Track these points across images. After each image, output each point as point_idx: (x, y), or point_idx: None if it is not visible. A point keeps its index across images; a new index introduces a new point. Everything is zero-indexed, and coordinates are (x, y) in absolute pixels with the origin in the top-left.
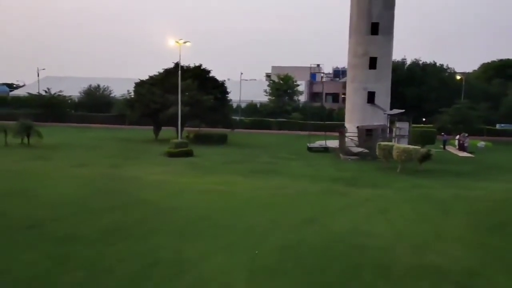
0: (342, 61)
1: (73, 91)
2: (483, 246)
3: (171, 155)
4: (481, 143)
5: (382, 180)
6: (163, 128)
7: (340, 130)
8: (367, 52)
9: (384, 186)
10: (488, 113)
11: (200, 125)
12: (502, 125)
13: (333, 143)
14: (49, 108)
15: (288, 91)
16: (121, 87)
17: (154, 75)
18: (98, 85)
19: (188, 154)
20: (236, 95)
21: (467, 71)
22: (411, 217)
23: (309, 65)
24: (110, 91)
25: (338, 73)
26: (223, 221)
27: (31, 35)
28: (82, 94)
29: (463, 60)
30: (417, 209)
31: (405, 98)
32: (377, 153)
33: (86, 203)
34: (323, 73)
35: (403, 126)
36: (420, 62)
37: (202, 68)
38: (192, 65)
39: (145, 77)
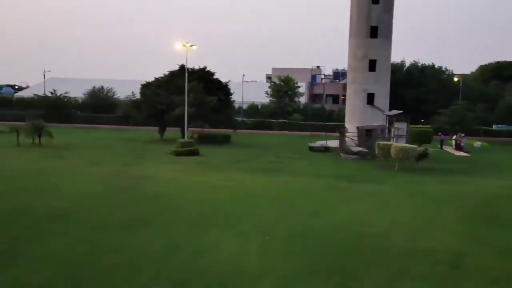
0: (342, 63)
1: (77, 93)
2: (472, 233)
3: (178, 154)
4: (477, 143)
5: (381, 177)
6: (167, 128)
7: (341, 130)
8: (367, 55)
9: (382, 182)
10: (485, 114)
11: (203, 126)
12: (499, 126)
13: (334, 143)
14: (54, 109)
15: (289, 92)
16: (124, 89)
17: (160, 77)
18: (102, 87)
19: (194, 153)
20: (237, 97)
21: (465, 73)
22: (407, 209)
23: (309, 67)
24: (114, 92)
25: (338, 75)
26: (234, 213)
27: (32, 36)
28: (86, 95)
29: (462, 62)
30: (413, 202)
31: (404, 100)
32: (376, 152)
33: (106, 197)
34: (323, 74)
35: (401, 126)
36: (419, 64)
37: (206, 70)
38: (194, 67)
39: (146, 78)
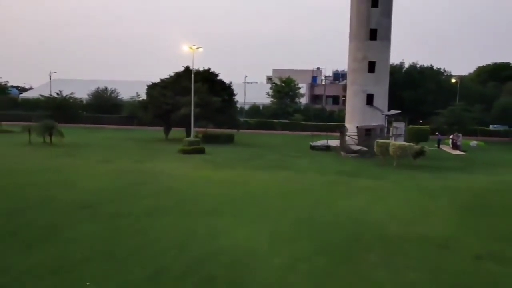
0: (341, 63)
1: (80, 93)
2: (461, 221)
3: (185, 152)
4: (473, 142)
5: (380, 173)
6: (171, 129)
7: (341, 129)
8: (366, 57)
9: (381, 178)
10: (481, 115)
11: (207, 126)
12: (495, 126)
13: (334, 142)
14: (60, 109)
15: (290, 93)
16: (126, 89)
17: (165, 78)
18: (106, 88)
19: (201, 151)
20: (238, 97)
21: (464, 74)
22: (403, 201)
23: (309, 68)
24: (117, 93)
25: (338, 76)
26: (245, 204)
27: (32, 37)
28: (90, 96)
29: (462, 63)
30: (409, 195)
31: (403, 101)
32: (375, 150)
33: (123, 190)
34: (323, 76)
35: (400, 126)
36: (418, 66)
37: (210, 71)
38: (199, 68)
39: (146, 78)
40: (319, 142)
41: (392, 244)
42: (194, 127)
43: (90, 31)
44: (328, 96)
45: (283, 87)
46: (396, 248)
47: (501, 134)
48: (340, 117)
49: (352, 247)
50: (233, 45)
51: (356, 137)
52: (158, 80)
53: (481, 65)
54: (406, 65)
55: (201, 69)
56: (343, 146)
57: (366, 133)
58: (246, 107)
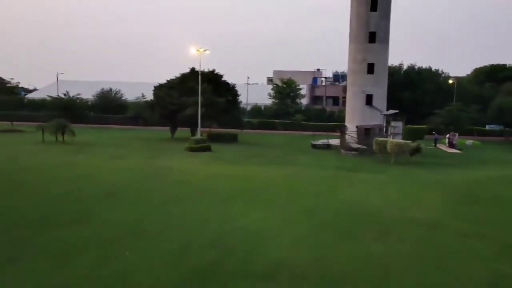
0: (341, 64)
1: (86, 94)
2: (450, 208)
3: (192, 150)
4: (469, 142)
5: (378, 169)
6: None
7: (341, 129)
8: (366, 59)
9: (379, 172)
10: (478, 115)
11: (211, 126)
12: (491, 126)
13: (335, 141)
14: (67, 110)
15: (291, 94)
16: (130, 90)
17: (171, 79)
18: (110, 89)
19: (207, 149)
20: (241, 98)
21: (462, 75)
22: (398, 191)
23: (309, 69)
24: (121, 94)
25: (338, 77)
26: (254, 194)
27: (32, 37)
28: (95, 97)
29: (461, 64)
30: (404, 187)
31: (402, 101)
32: (374, 147)
33: (140, 182)
34: (324, 77)
35: (397, 125)
36: (416, 67)
37: (215, 73)
38: (204, 69)
39: (147, 79)
40: (320, 141)
41: (387, 225)
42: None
43: (90, 31)
44: (328, 97)
45: (284, 88)
46: (391, 228)
47: (497, 134)
48: (340, 118)
49: (351, 227)
50: (233, 45)
51: (356, 136)
52: (161, 81)
53: (481, 66)
54: (405, 67)
55: (205, 70)
56: (343, 145)
57: (365, 132)
58: (248, 107)
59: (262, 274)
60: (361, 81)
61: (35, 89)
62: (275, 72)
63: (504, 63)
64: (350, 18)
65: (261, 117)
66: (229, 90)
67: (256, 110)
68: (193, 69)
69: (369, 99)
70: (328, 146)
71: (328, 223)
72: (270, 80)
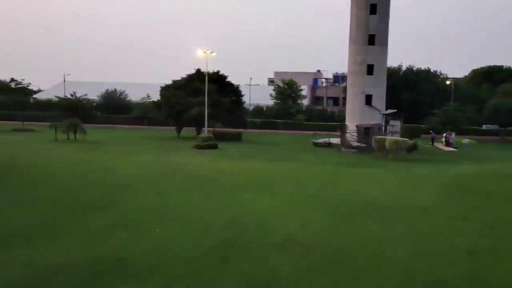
0: (341, 65)
1: (91, 95)
2: (441, 196)
3: (199, 147)
4: (465, 140)
5: (376, 164)
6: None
7: (342, 128)
8: (365, 60)
9: (378, 167)
10: (474, 115)
11: (215, 125)
12: (488, 125)
13: (335, 140)
14: (74, 110)
15: (292, 95)
16: (134, 91)
17: (177, 80)
18: (115, 89)
19: (214, 147)
20: (244, 99)
21: (460, 76)
22: (395, 183)
23: (309, 70)
24: (126, 95)
25: (338, 79)
26: (262, 185)
27: (32, 37)
28: (100, 97)
29: (460, 65)
30: (401, 180)
31: (401, 102)
32: (373, 145)
33: (155, 176)
34: (324, 78)
35: (396, 124)
36: (415, 68)
37: (220, 74)
38: (209, 71)
39: (148, 80)
40: (322, 140)
41: (384, 211)
42: (204, 126)
43: (90, 32)
44: (328, 98)
45: (286, 89)
46: (387, 212)
47: (493, 133)
48: (340, 118)
49: (352, 212)
50: (233, 46)
51: (355, 134)
52: (163, 81)
53: (479, 67)
54: (404, 68)
55: (209, 71)
56: (344, 143)
57: (365, 131)
58: (250, 108)
59: (276, 245)
60: (361, 82)
61: (39, 90)
62: (276, 73)
63: (501, 64)
64: (350, 21)
65: (264, 117)
66: (233, 91)
67: (258, 110)
68: (198, 70)
69: (368, 99)
70: (329, 145)
71: (331, 209)
72: (271, 81)
